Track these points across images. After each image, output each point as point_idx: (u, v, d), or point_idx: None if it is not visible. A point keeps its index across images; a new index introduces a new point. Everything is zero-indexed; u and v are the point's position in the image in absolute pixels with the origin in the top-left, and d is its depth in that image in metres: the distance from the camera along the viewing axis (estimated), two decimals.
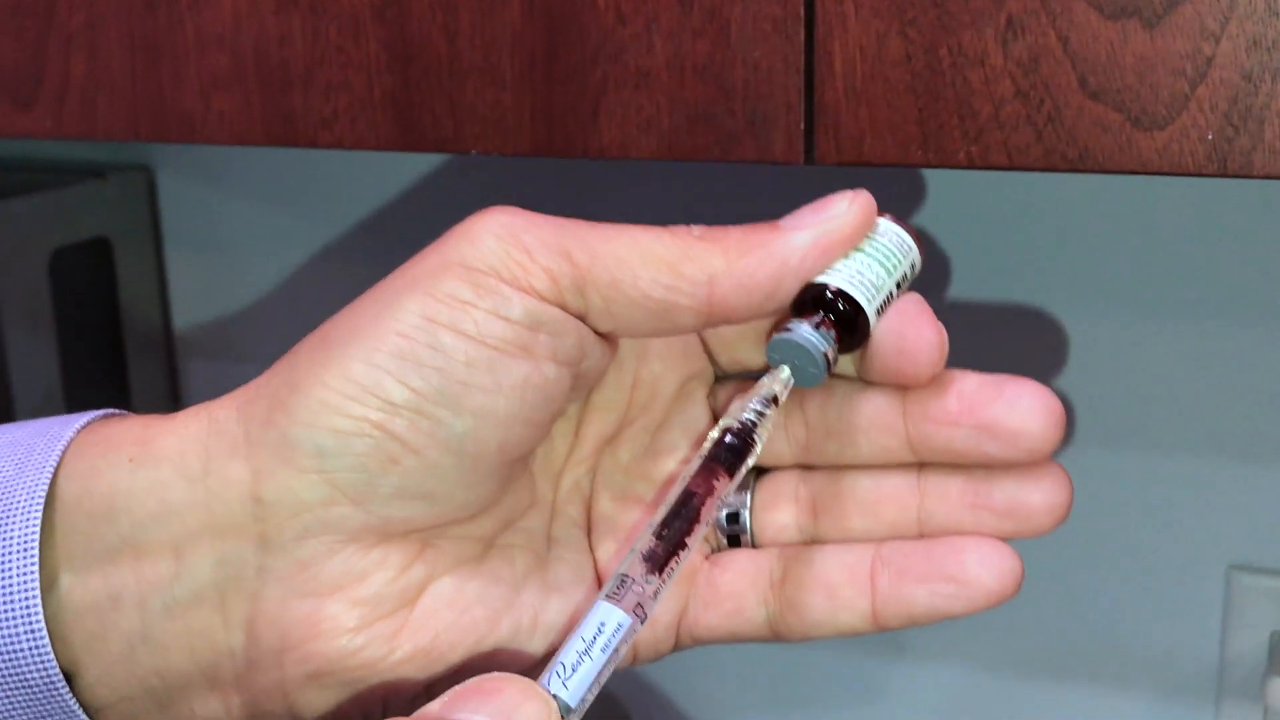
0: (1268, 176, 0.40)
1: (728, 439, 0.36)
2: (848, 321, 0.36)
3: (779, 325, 0.36)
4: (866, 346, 0.37)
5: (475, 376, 0.35)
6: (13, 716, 0.36)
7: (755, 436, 0.36)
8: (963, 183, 0.73)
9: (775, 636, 0.39)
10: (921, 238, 0.38)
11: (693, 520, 0.35)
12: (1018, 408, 0.36)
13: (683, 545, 0.35)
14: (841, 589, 0.38)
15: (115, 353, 0.93)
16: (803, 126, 0.45)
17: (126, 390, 0.93)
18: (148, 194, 0.93)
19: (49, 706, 0.36)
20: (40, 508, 0.35)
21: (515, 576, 0.38)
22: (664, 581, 0.35)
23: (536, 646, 0.38)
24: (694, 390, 0.40)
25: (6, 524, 0.35)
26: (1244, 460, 0.72)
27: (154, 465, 0.36)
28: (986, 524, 0.37)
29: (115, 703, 0.37)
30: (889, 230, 0.37)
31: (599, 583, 0.40)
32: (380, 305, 0.35)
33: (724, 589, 0.39)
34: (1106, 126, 0.41)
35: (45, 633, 0.35)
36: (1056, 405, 0.36)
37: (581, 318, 0.36)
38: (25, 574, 0.35)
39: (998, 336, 0.75)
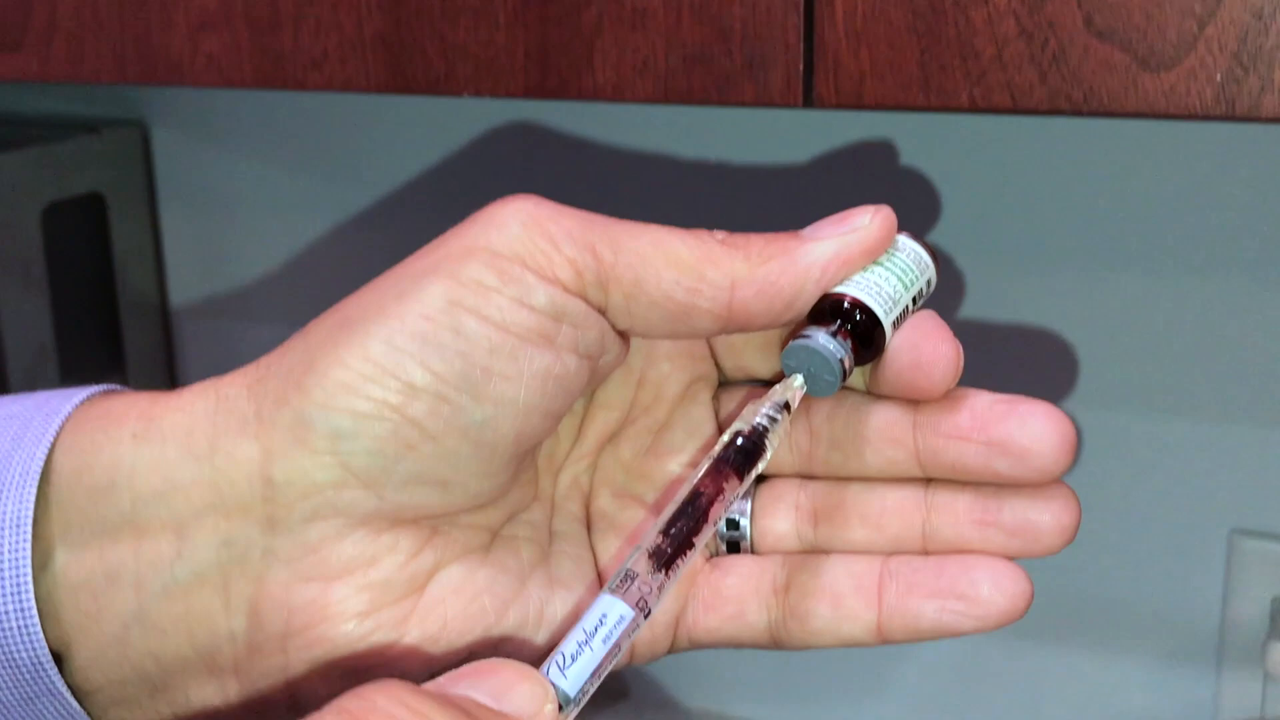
0: (1277, 120, 0.40)
1: (739, 442, 0.36)
2: (864, 333, 0.36)
3: (795, 333, 0.36)
4: (880, 359, 0.37)
5: (498, 364, 0.34)
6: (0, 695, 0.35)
7: (767, 441, 0.36)
8: (964, 129, 0.72)
9: (774, 643, 0.39)
10: (938, 255, 0.38)
11: (700, 520, 0.35)
12: (1030, 426, 0.36)
13: (690, 545, 0.35)
14: (847, 599, 0.38)
15: (109, 310, 0.92)
16: (801, 68, 0.44)
17: (120, 348, 0.93)
18: (142, 149, 0.92)
19: (36, 687, 0.35)
20: (35, 482, 0.35)
21: (521, 567, 0.38)
22: (669, 579, 0.35)
23: (541, 640, 0.38)
24: (699, 393, 0.40)
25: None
26: (1248, 424, 0.71)
27: (159, 441, 0.35)
28: (994, 542, 0.37)
29: (107, 686, 0.36)
30: (908, 246, 0.38)
31: (600, 579, 0.39)
32: (402, 287, 0.35)
33: (726, 592, 0.39)
34: (1112, 67, 0.41)
35: (35, 611, 0.35)
36: (1069, 427, 0.36)
37: (601, 313, 0.36)
38: (16, 550, 0.34)
39: (1000, 289, 0.74)
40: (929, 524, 0.38)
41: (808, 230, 0.37)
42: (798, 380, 0.36)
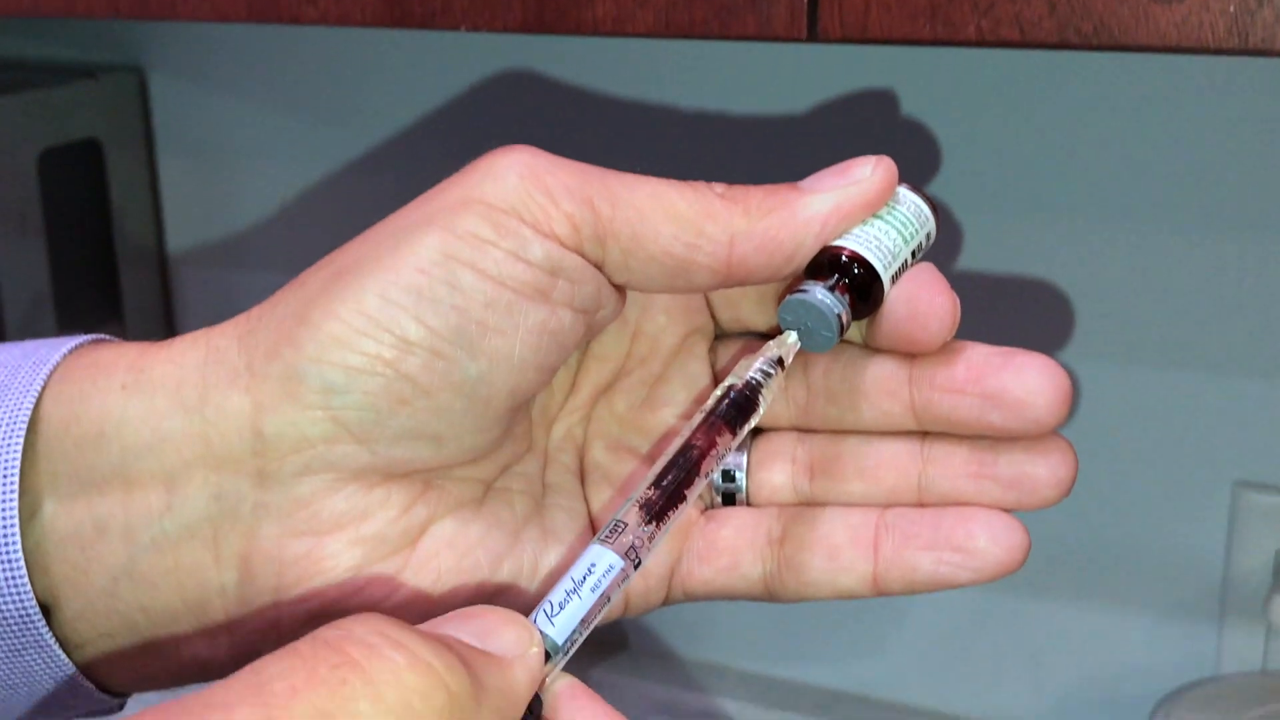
0: None
1: (732, 395, 0.36)
2: (862, 287, 0.36)
3: (792, 287, 0.36)
4: (878, 312, 0.37)
5: (493, 318, 0.34)
6: None
7: (760, 396, 0.36)
8: (968, 67, 0.72)
9: (769, 595, 0.39)
10: (938, 208, 0.38)
11: (691, 472, 0.35)
12: (1024, 378, 0.35)
13: (681, 497, 0.35)
14: (843, 550, 0.38)
15: (106, 257, 0.92)
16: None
17: (118, 295, 0.92)
18: (139, 94, 0.92)
19: (24, 639, 0.35)
20: (22, 433, 0.34)
21: (515, 520, 0.38)
22: (660, 530, 0.34)
23: (535, 592, 0.37)
24: (695, 345, 0.40)
25: None
26: (1253, 377, 0.71)
27: (149, 393, 0.35)
28: (990, 494, 0.37)
29: (96, 639, 0.36)
30: (908, 199, 0.37)
31: (593, 531, 0.39)
32: (397, 238, 0.34)
33: (721, 544, 0.39)
34: None
35: (22, 562, 0.34)
36: (1064, 379, 0.36)
37: (598, 267, 0.35)
38: (4, 500, 0.34)
39: (1003, 238, 0.73)
40: (925, 477, 0.38)
41: (807, 182, 0.36)
42: (792, 337, 0.36)
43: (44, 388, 0.35)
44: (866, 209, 0.36)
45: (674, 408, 0.40)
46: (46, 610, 0.35)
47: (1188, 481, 0.73)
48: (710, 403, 0.36)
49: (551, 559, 0.38)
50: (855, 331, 0.38)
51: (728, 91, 0.77)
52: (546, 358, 0.35)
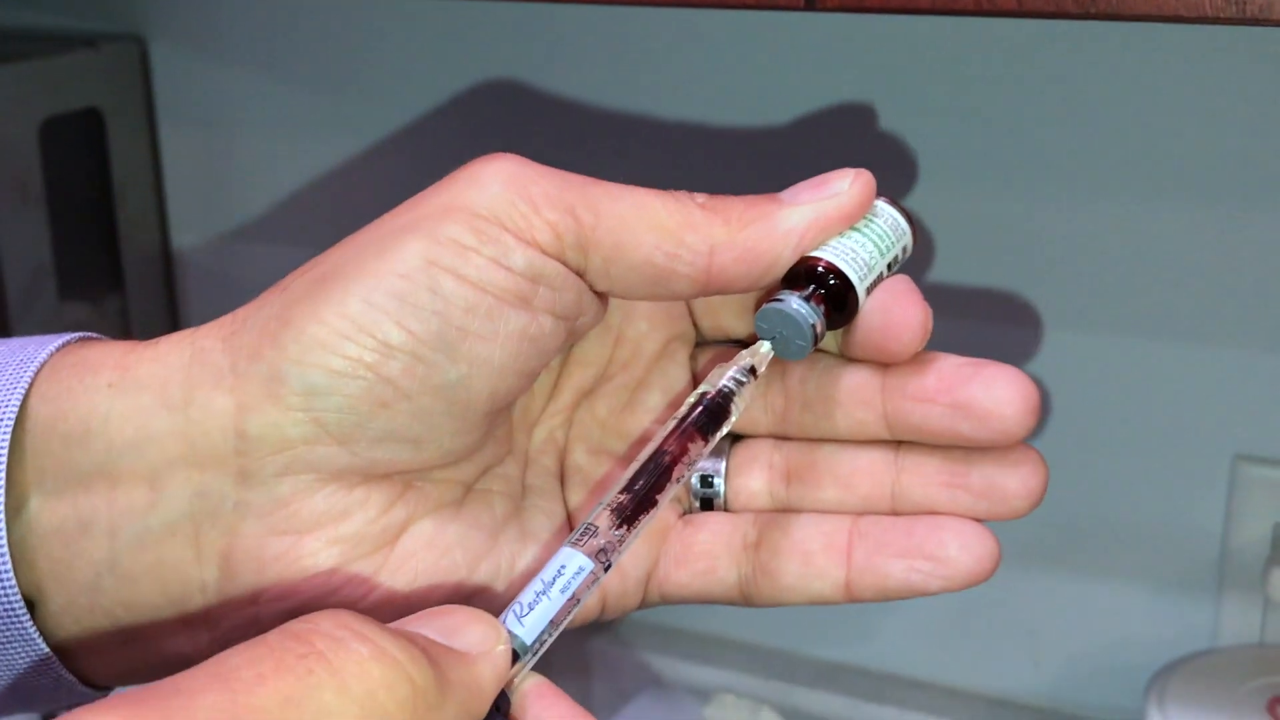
0: None
1: (705, 403, 0.37)
2: (838, 297, 0.36)
3: (769, 295, 0.37)
4: (853, 323, 0.37)
5: (473, 324, 0.34)
6: None
7: (733, 405, 0.37)
8: (964, 33, 0.71)
9: (745, 600, 0.40)
10: (916, 222, 0.39)
11: (663, 478, 0.36)
12: (994, 389, 0.36)
13: (652, 502, 0.35)
14: (816, 557, 0.39)
15: (108, 228, 0.92)
16: None
17: (119, 264, 0.92)
18: (140, 64, 0.91)
19: (8, 633, 0.36)
20: (9, 429, 0.35)
21: (494, 522, 0.38)
22: (630, 534, 0.35)
23: (513, 594, 0.38)
24: (676, 351, 0.41)
25: None
26: (1253, 349, 0.71)
27: (134, 392, 0.36)
28: (962, 504, 0.38)
29: (79, 634, 0.37)
30: (885, 212, 0.38)
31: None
32: (381, 244, 0.35)
33: (697, 548, 0.40)
34: None
35: (8, 557, 0.35)
36: (1033, 391, 0.36)
37: (580, 275, 0.36)
38: None
39: (997, 204, 0.73)
40: (899, 485, 0.38)
41: (786, 194, 0.37)
42: (765, 346, 0.37)
43: (31, 385, 0.36)
44: (844, 222, 0.37)
45: (655, 413, 0.40)
46: (31, 604, 0.36)
47: (1187, 454, 0.73)
48: (683, 409, 0.37)
49: (529, 560, 0.38)
50: (832, 341, 0.38)
51: (723, 66, 0.76)
52: (527, 363, 0.36)
